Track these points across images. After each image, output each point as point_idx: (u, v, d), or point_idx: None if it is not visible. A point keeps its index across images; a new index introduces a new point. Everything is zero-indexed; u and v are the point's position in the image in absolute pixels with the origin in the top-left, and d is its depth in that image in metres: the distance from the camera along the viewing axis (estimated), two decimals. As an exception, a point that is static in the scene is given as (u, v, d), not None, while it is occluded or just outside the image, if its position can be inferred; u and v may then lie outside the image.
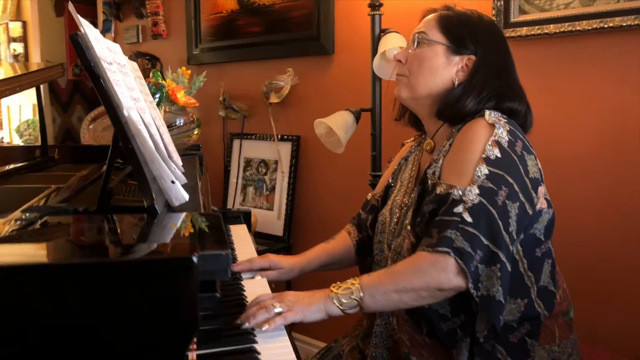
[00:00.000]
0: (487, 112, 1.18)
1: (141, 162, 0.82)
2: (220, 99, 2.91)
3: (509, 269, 1.07)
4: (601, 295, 1.80)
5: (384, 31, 2.04)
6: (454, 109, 1.23)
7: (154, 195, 0.81)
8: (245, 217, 1.85)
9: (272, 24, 2.73)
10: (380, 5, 2.05)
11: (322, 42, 2.52)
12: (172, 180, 0.84)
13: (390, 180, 1.45)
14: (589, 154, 1.83)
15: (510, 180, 1.11)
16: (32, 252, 0.70)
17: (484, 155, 1.12)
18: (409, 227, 1.22)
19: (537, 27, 1.89)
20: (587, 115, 1.83)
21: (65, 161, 2.06)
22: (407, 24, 2.12)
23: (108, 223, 0.84)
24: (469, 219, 1.06)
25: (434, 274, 1.05)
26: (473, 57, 1.25)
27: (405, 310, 1.20)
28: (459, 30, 1.26)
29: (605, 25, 1.76)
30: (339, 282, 1.12)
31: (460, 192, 1.09)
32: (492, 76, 1.24)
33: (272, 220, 2.77)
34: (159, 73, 2.07)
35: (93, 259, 0.63)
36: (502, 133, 1.14)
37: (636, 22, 1.70)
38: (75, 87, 4.59)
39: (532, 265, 1.17)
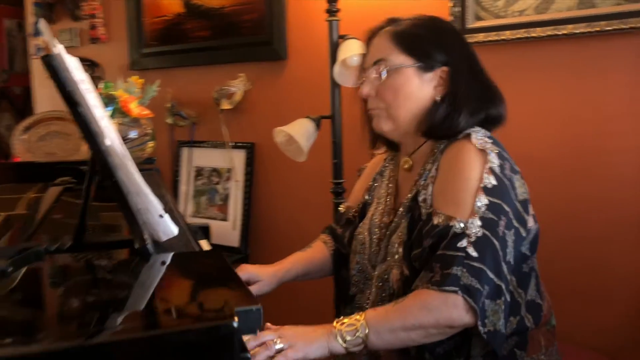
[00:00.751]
0: (473, 135, 1.13)
1: (126, 195, 0.75)
2: (168, 105, 2.79)
3: (508, 298, 1.06)
4: (560, 293, 1.86)
5: (342, 37, 2.02)
6: (446, 127, 1.17)
7: (145, 237, 0.73)
8: (204, 232, 1.77)
9: (221, 28, 2.64)
10: (337, 10, 2.02)
11: (274, 47, 2.47)
12: (160, 213, 0.77)
13: (366, 197, 1.41)
14: (543, 156, 1.88)
15: (506, 207, 1.08)
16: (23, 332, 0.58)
17: (482, 185, 1.08)
18: (397, 257, 1.18)
19: (493, 33, 1.92)
20: (542, 119, 1.88)
21: (1, 180, 1.90)
22: (365, 29, 2.11)
23: (100, 271, 0.76)
24: (474, 254, 1.02)
25: (445, 312, 1.01)
26: (446, 68, 1.19)
27: None
28: (421, 44, 1.19)
29: (559, 33, 1.81)
30: (342, 318, 1.06)
31: (462, 225, 1.05)
32: (471, 83, 1.20)
33: (227, 230, 2.69)
34: (111, 84, 1.94)
35: (111, 337, 0.53)
36: (494, 159, 1.11)
37: (588, 30, 1.76)
38: (2, 94, 4.29)
39: (520, 282, 1.16)
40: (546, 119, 1.88)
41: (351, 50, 1.92)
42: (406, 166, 1.29)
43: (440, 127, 1.18)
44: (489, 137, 1.15)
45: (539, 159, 1.88)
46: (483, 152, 1.11)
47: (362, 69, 1.30)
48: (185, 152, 2.86)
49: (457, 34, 1.29)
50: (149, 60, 2.94)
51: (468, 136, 1.14)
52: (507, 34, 1.90)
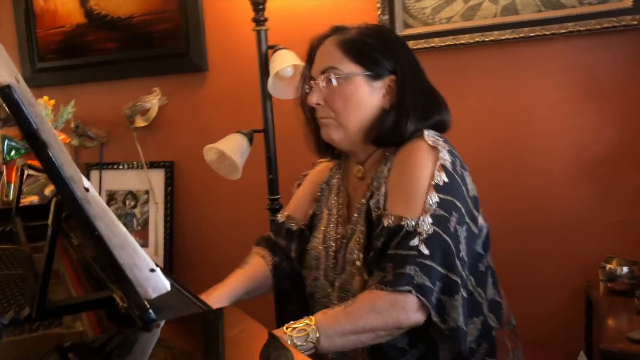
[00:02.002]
0: (425, 133, 1.14)
1: (112, 251, 0.62)
2: (72, 126, 2.53)
3: (465, 295, 1.06)
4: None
5: (271, 47, 1.93)
6: (395, 135, 1.17)
7: (145, 303, 0.60)
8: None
9: (130, 40, 2.45)
10: (265, 20, 1.93)
11: (192, 58, 2.33)
12: (151, 267, 0.64)
13: (315, 209, 1.35)
14: (475, 159, 1.91)
15: (458, 203, 1.09)
16: None
17: (433, 182, 1.08)
18: (358, 263, 1.15)
19: (422, 40, 1.94)
20: (473, 123, 1.92)
21: None
22: (293, 38, 2.04)
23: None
24: (425, 251, 1.03)
25: (393, 314, 1.02)
26: (393, 77, 1.19)
27: (366, 348, 1.13)
28: (370, 53, 1.18)
29: (487, 39, 1.86)
30: (292, 322, 1.03)
31: (413, 223, 1.05)
32: (417, 91, 1.20)
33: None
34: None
35: None
36: (445, 155, 1.11)
37: (513, 36, 1.82)
38: None
39: (478, 281, 1.17)
40: (477, 123, 1.92)
41: (284, 62, 1.84)
42: (359, 175, 1.25)
43: (389, 135, 1.18)
44: (439, 136, 1.17)
45: (471, 162, 1.92)
46: (435, 149, 1.11)
47: (307, 77, 1.26)
48: (94, 175, 2.62)
49: (403, 43, 1.28)
50: (45, 76, 2.65)
51: (421, 135, 1.14)
52: (436, 41, 1.92)
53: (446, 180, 1.08)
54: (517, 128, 1.88)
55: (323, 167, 1.40)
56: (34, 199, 1.70)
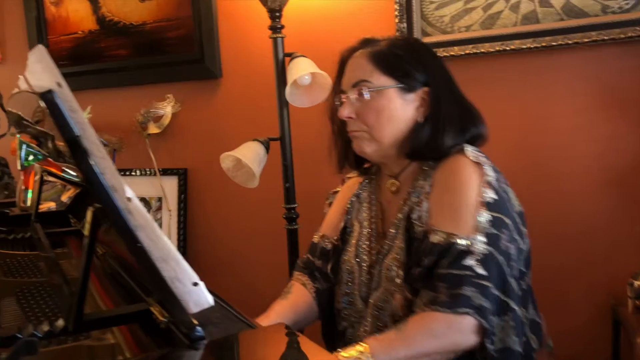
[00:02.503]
0: (466, 149, 1.12)
1: (154, 263, 0.59)
2: (84, 132, 2.51)
3: (520, 315, 1.04)
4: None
5: (288, 55, 1.91)
6: (432, 149, 1.15)
7: (192, 320, 0.58)
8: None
9: (143, 46, 2.43)
10: (282, 27, 1.92)
11: (207, 64, 2.31)
12: (195, 281, 0.62)
13: (345, 222, 1.32)
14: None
15: (507, 220, 1.07)
16: None
17: (482, 200, 1.05)
18: (398, 281, 1.12)
19: (441, 49, 1.91)
20: (493, 133, 1.89)
21: None
22: (309, 45, 2.03)
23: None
24: (482, 272, 1.00)
25: (450, 336, 1.00)
26: (427, 89, 1.17)
27: None
28: (402, 65, 1.16)
29: (507, 48, 1.84)
30: (346, 348, 1.00)
31: (466, 242, 1.02)
32: (452, 103, 1.18)
33: (161, 264, 2.47)
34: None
35: None
36: (489, 171, 1.09)
37: (535, 45, 1.80)
38: None
39: (522, 300, 1.14)
40: (497, 132, 1.87)
41: (302, 69, 1.82)
42: (393, 189, 1.23)
43: (425, 148, 1.16)
44: (480, 152, 1.15)
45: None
46: (478, 165, 1.09)
47: (337, 90, 1.25)
48: (105, 181, 2.60)
49: (434, 54, 1.26)
50: (57, 82, 2.64)
51: (461, 150, 1.12)
52: (455, 50, 1.91)
53: (494, 197, 1.07)
54: (538, 138, 1.86)
55: (352, 182, 1.38)
56: (51, 205, 1.68)
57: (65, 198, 1.65)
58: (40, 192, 1.30)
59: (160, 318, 0.66)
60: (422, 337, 1.00)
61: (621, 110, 1.75)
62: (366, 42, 1.22)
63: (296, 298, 1.29)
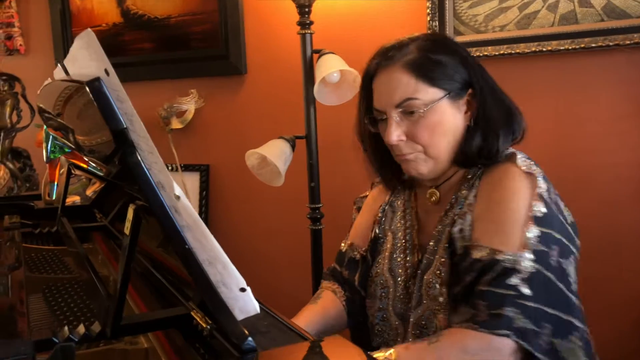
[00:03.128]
0: (518, 158, 1.04)
1: (203, 266, 0.56)
2: (106, 125, 2.49)
3: (586, 333, 0.97)
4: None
5: (316, 52, 1.87)
6: (486, 153, 1.06)
7: (244, 330, 0.54)
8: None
9: (167, 40, 2.40)
10: (311, 23, 1.87)
11: (232, 60, 2.28)
12: (242, 287, 0.58)
13: (377, 231, 1.22)
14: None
15: (557, 235, 0.99)
16: None
17: (531, 214, 0.97)
18: (441, 299, 1.03)
19: (474, 48, 1.86)
20: (528, 136, 1.84)
21: None
22: (337, 42, 1.99)
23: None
24: (528, 292, 0.93)
25: (486, 357, 0.92)
26: (471, 90, 1.08)
27: None
28: (445, 71, 1.06)
29: (544, 49, 1.78)
30: (370, 353, 0.94)
31: (511, 259, 0.95)
32: (496, 100, 1.10)
33: (180, 261, 2.44)
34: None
35: None
36: (542, 182, 1.01)
37: (573, 46, 1.74)
38: None
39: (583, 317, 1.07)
40: (532, 136, 1.84)
41: (331, 67, 1.78)
42: (433, 199, 1.14)
43: (479, 154, 1.07)
44: (531, 160, 1.06)
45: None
46: (530, 175, 1.02)
47: (364, 108, 1.14)
48: (125, 176, 2.58)
49: (464, 49, 1.14)
50: (80, 74, 2.62)
51: (511, 158, 1.05)
52: (489, 50, 1.85)
53: (544, 210, 0.99)
54: (574, 142, 1.80)
55: (383, 187, 1.28)
56: (76, 199, 1.66)
57: (90, 192, 1.63)
58: (67, 185, 1.27)
59: (203, 325, 0.62)
60: (454, 352, 0.93)
61: (661, 116, 1.68)
62: (391, 52, 1.08)
63: (326, 304, 1.22)
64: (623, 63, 1.71)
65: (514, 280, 0.93)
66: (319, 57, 1.85)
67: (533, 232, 0.96)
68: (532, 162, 1.05)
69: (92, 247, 1.30)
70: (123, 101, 0.53)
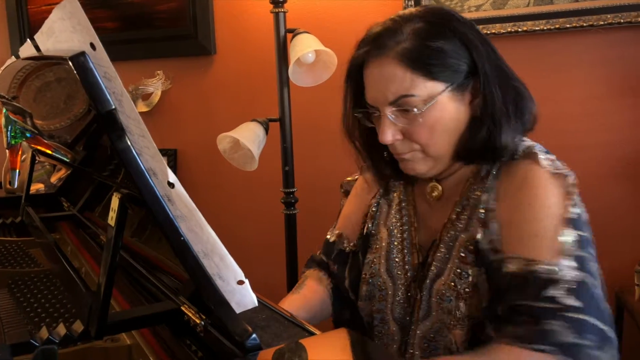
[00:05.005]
0: (539, 156, 0.92)
1: (199, 259, 0.51)
2: (67, 109, 2.38)
3: (617, 341, 0.88)
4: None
5: (290, 31, 1.81)
6: (492, 147, 0.93)
7: (247, 326, 0.49)
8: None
9: (131, 19, 2.30)
10: (285, 1, 1.81)
11: (200, 40, 2.19)
12: (240, 279, 0.54)
13: (370, 227, 1.10)
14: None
15: (589, 236, 0.90)
16: None
17: (567, 216, 0.87)
18: (458, 314, 0.92)
19: (450, 29, 1.84)
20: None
21: None
22: (311, 21, 1.93)
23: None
24: (575, 303, 0.83)
25: None
26: (477, 77, 0.92)
27: None
28: (446, 60, 0.90)
29: (519, 29, 1.77)
30: None
31: (549, 269, 0.84)
32: (505, 86, 0.94)
33: (149, 249, 2.36)
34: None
35: None
36: (570, 179, 0.90)
37: (548, 27, 1.74)
38: None
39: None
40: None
41: (306, 47, 1.73)
42: (435, 194, 1.02)
43: (485, 148, 0.94)
44: (551, 155, 0.94)
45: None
46: (558, 175, 0.90)
47: (351, 101, 1.01)
48: (89, 162, 2.47)
49: (470, 25, 0.96)
50: (37, 55, 2.49)
51: (531, 156, 0.93)
52: (465, 30, 1.83)
53: (578, 211, 0.89)
54: (549, 123, 1.78)
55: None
56: (40, 187, 1.56)
57: (55, 179, 1.54)
58: (31, 173, 1.19)
59: (196, 320, 0.57)
60: None
61: (636, 98, 1.70)
62: (382, 38, 0.93)
63: (308, 293, 1.12)
64: (598, 43, 1.72)
65: (553, 291, 0.83)
66: (293, 37, 1.79)
67: (571, 237, 0.86)
68: (554, 158, 0.94)
69: (59, 237, 1.22)
70: (111, 79, 0.48)
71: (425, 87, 0.90)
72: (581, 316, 0.83)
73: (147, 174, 0.49)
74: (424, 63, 0.89)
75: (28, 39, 0.71)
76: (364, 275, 1.07)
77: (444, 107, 0.91)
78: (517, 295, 0.85)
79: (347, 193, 1.23)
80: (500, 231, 0.90)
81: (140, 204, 0.52)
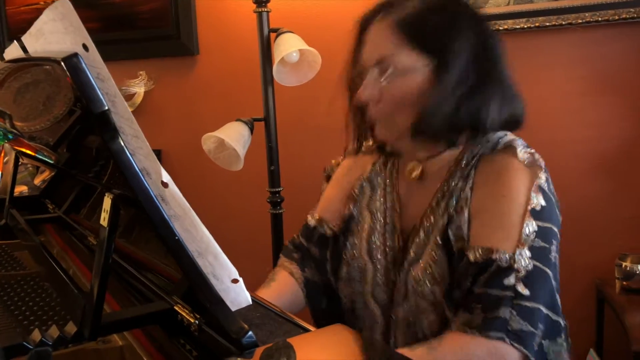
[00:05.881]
0: (518, 149, 0.95)
1: (193, 258, 0.51)
2: (48, 110, 2.35)
3: (568, 329, 0.93)
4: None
5: (274, 30, 1.82)
6: (471, 126, 0.95)
7: (243, 324, 0.50)
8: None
9: (113, 20, 2.28)
10: (268, 0, 1.81)
11: (183, 40, 2.19)
12: (234, 277, 0.54)
13: (352, 209, 1.11)
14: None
15: (555, 229, 0.92)
16: None
17: (530, 207, 0.90)
18: (431, 299, 0.95)
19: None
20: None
21: None
22: (295, 21, 1.94)
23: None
24: (525, 292, 0.86)
25: None
26: (466, 58, 0.93)
27: None
28: (437, 36, 0.92)
29: (500, 28, 1.80)
30: None
31: (507, 257, 0.87)
32: (494, 75, 0.97)
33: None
34: None
35: None
36: (542, 174, 0.93)
37: (528, 25, 1.77)
38: None
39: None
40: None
41: (290, 46, 1.74)
42: (413, 174, 1.03)
43: (461, 126, 0.96)
44: (530, 148, 0.97)
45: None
46: (532, 168, 0.93)
47: (358, 64, 1.02)
48: (71, 164, 2.45)
49: (479, 15, 0.99)
50: (16, 56, 2.46)
51: (510, 150, 0.96)
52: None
53: (543, 203, 0.91)
54: (528, 119, 1.83)
55: (363, 159, 1.16)
56: (23, 189, 1.54)
57: (38, 181, 1.52)
58: (15, 175, 1.18)
59: (190, 319, 0.58)
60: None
61: (614, 95, 1.74)
62: (391, 5, 0.96)
63: (280, 287, 1.12)
64: (576, 42, 1.75)
65: (510, 280, 0.86)
66: (277, 37, 1.80)
67: (531, 226, 0.89)
68: (533, 151, 0.97)
69: (44, 239, 1.21)
70: (104, 80, 0.48)
71: (408, 57, 0.93)
72: (529, 304, 0.86)
73: (140, 174, 0.49)
74: (414, 32, 0.93)
75: (15, 40, 0.71)
76: (344, 257, 1.09)
77: (422, 82, 0.93)
78: (475, 283, 0.89)
79: (329, 177, 1.23)
80: (469, 220, 0.93)
81: (132, 205, 0.52)
